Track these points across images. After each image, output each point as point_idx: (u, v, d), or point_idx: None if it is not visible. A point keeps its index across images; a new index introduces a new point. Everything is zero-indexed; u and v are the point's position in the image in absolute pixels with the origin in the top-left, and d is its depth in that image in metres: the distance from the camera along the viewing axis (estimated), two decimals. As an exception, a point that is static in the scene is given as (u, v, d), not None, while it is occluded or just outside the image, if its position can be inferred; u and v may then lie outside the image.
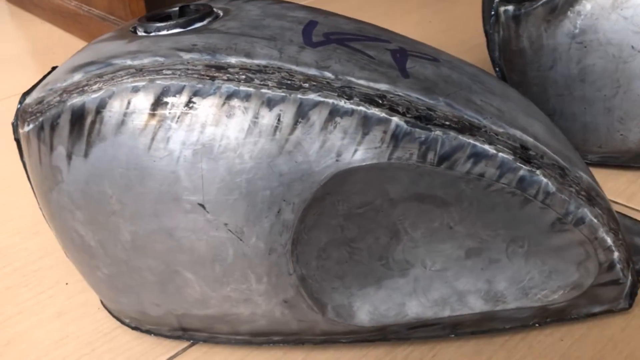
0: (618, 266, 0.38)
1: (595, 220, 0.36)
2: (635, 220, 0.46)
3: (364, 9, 1.06)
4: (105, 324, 0.42)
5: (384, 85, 0.34)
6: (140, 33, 0.38)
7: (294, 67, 0.34)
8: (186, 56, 0.34)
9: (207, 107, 0.32)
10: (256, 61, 0.34)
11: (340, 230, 0.35)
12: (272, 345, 0.39)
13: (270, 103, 0.32)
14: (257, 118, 0.32)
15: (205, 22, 0.38)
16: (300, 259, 0.34)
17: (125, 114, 0.33)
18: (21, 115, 0.37)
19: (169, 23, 0.37)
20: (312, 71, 0.34)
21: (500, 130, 0.35)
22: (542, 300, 0.38)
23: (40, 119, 0.35)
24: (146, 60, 0.34)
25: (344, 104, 0.33)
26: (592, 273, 0.38)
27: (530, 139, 0.36)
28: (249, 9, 0.40)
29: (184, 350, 0.40)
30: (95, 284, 0.40)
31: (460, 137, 0.34)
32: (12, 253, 0.49)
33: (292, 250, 0.34)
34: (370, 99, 0.33)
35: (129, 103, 0.33)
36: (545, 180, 0.35)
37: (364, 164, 0.32)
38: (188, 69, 0.33)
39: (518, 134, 0.36)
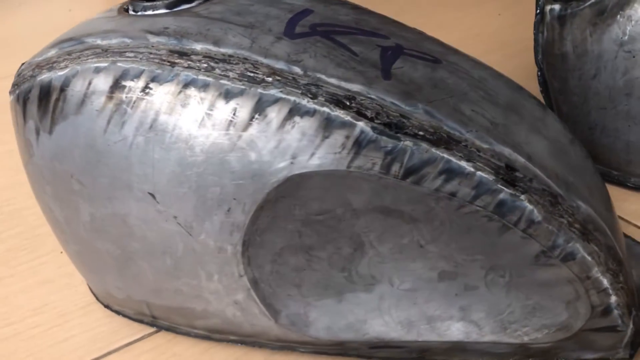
0: (616, 312, 0.33)
1: (588, 258, 0.32)
2: (664, 258, 0.41)
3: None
4: (84, 298, 0.42)
5: (357, 86, 0.31)
6: (130, 12, 0.37)
7: (261, 59, 0.32)
8: (153, 39, 0.32)
9: (162, 94, 0.31)
10: (222, 50, 0.32)
11: (298, 236, 0.33)
12: (231, 343, 0.37)
13: (227, 95, 0.31)
14: (212, 110, 0.31)
15: (194, 4, 0.37)
16: (253, 261, 0.33)
17: (85, 94, 0.32)
18: (12, 85, 0.37)
19: (155, 3, 0.36)
20: (280, 65, 0.31)
21: (485, 146, 0.31)
22: (522, 338, 0.34)
23: (17, 92, 0.35)
24: (114, 41, 0.33)
25: (306, 102, 0.30)
26: (582, 315, 0.33)
27: (522, 159, 0.32)
28: (246, -8, 0.38)
29: (149, 335, 0.39)
30: (70, 257, 0.40)
31: (433, 149, 0.30)
32: (21, 216, 0.51)
33: (243, 251, 0.32)
34: (337, 100, 0.31)
35: (89, 83, 0.32)
36: (530, 206, 0.31)
37: (320, 169, 0.30)
38: (151, 53, 0.32)
39: (507, 151, 0.32)
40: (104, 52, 0.32)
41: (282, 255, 0.33)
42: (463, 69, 0.37)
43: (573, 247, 0.32)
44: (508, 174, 0.31)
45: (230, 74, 0.31)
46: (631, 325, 0.34)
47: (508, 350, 0.35)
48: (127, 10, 0.37)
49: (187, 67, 0.31)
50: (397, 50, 0.35)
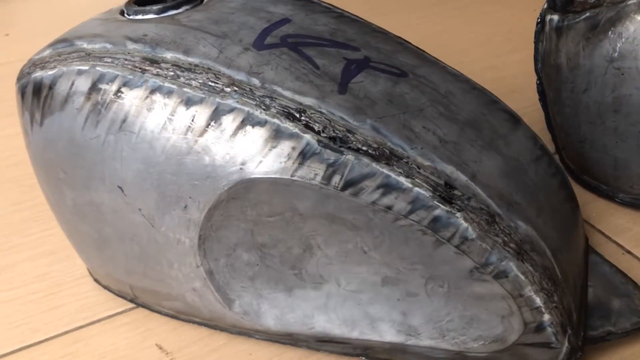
0: (549, 329, 0.34)
1: (521, 277, 0.33)
2: (627, 278, 0.41)
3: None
4: (79, 270, 0.47)
5: (309, 100, 0.33)
6: (125, 14, 0.40)
7: (223, 69, 0.34)
8: (131, 46, 0.36)
9: (132, 98, 0.34)
10: (190, 59, 0.35)
11: (251, 235, 0.35)
12: (196, 325, 0.41)
13: (188, 102, 0.33)
14: (173, 115, 0.33)
15: (180, 10, 0.39)
16: (209, 254, 0.36)
17: (68, 94, 0.36)
18: (17, 77, 0.41)
19: (145, 8, 0.39)
20: (240, 76, 0.34)
21: (427, 163, 0.33)
22: (460, 346, 0.36)
23: (18, 85, 0.39)
24: (97, 46, 0.36)
25: (259, 113, 0.33)
26: (516, 330, 0.35)
27: (464, 177, 0.33)
28: (233, -2, 0.41)
29: (129, 310, 0.43)
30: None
31: (373, 164, 0.32)
32: (39, 190, 0.56)
33: (200, 245, 0.35)
34: (287, 113, 0.33)
35: (72, 84, 0.35)
36: (465, 224, 0.32)
37: (266, 176, 0.33)
38: (126, 59, 0.35)
39: (449, 169, 0.33)
40: (87, 55, 0.36)
41: (236, 250, 0.36)
42: (430, 83, 0.38)
43: (506, 265, 0.33)
44: (446, 191, 0.33)
45: (193, 82, 0.34)
46: (566, 344, 0.35)
47: (446, 356, 0.37)
48: (123, 13, 0.40)
49: (155, 75, 0.34)
50: (363, 64, 0.37)
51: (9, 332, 0.42)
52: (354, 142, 0.33)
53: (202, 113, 0.33)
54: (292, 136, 0.32)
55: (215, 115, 0.33)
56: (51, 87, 0.36)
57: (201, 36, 0.36)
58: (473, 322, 0.35)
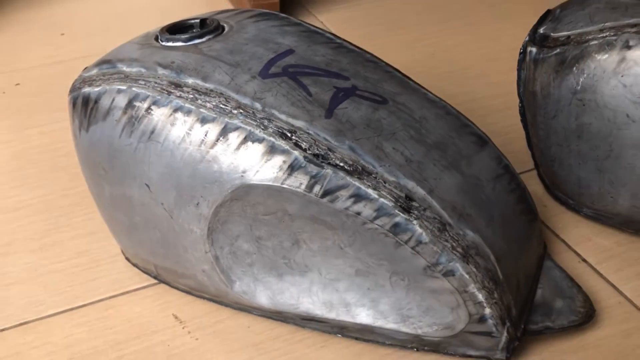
0: (490, 321, 0.41)
1: (466, 276, 0.40)
2: (574, 283, 0.48)
3: None
4: (114, 249, 0.56)
5: (300, 122, 0.41)
6: (159, 40, 0.48)
7: (232, 95, 0.42)
8: (160, 71, 0.44)
9: (159, 114, 0.42)
10: (207, 84, 0.43)
11: (250, 229, 0.43)
12: (206, 300, 0.49)
13: (203, 120, 0.41)
14: (190, 130, 0.42)
15: (204, 39, 0.47)
16: (215, 243, 0.44)
17: (109, 108, 0.44)
18: (69, 90, 0.50)
19: (175, 36, 0.47)
20: (246, 100, 0.42)
21: (392, 178, 0.40)
22: (417, 330, 0.43)
23: (70, 96, 0.48)
24: (134, 69, 0.45)
25: (258, 132, 0.41)
26: (463, 320, 0.42)
27: (422, 192, 0.41)
28: (248, 29, 0.49)
29: (152, 285, 0.52)
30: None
31: (347, 178, 0.40)
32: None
33: (208, 235, 0.44)
34: (281, 133, 0.41)
35: (113, 100, 0.44)
36: (420, 230, 0.40)
37: (261, 183, 0.41)
38: (156, 82, 0.43)
39: (410, 185, 0.41)
40: (126, 77, 0.44)
41: (238, 241, 0.44)
42: (407, 109, 0.45)
43: (453, 266, 0.40)
44: (406, 202, 0.40)
45: (208, 104, 0.42)
46: (505, 334, 0.42)
47: (406, 338, 0.44)
48: (157, 39, 0.49)
49: (178, 97, 0.42)
50: (350, 92, 0.45)
51: (56, 297, 0.51)
52: (333, 159, 0.40)
53: (213, 130, 0.41)
54: (283, 152, 0.40)
55: (224, 132, 0.41)
56: (96, 101, 0.45)
57: (217, 64, 0.44)
58: (429, 311, 0.43)
